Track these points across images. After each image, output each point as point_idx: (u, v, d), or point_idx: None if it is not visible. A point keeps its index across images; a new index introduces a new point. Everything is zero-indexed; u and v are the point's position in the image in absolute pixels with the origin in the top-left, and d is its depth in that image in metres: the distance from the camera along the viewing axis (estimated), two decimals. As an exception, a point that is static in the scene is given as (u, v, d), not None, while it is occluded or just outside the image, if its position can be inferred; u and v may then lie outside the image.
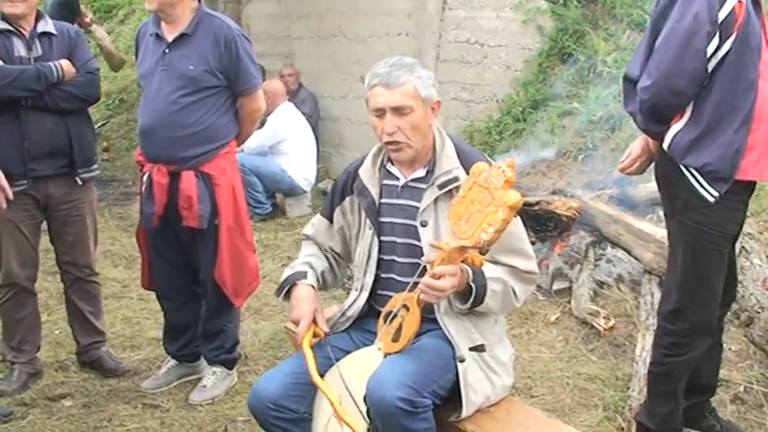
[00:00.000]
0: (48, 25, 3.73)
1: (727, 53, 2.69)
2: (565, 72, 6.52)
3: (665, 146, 2.82)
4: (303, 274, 2.70)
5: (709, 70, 2.70)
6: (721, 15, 2.65)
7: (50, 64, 3.63)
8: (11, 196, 3.47)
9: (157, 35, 3.55)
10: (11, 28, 3.63)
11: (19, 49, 3.64)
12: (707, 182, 2.76)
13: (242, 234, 3.69)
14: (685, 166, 2.78)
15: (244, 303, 3.97)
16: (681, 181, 2.81)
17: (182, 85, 3.48)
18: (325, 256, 2.85)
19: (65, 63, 3.68)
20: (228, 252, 3.61)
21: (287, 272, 2.76)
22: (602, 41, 6.45)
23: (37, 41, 3.68)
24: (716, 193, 2.76)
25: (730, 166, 2.75)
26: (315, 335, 2.60)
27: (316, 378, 2.44)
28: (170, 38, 3.51)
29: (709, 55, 2.67)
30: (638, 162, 3.08)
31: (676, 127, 2.79)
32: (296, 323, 2.61)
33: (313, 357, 2.49)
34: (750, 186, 2.89)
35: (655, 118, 2.80)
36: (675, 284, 2.93)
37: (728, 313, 3.56)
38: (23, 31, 3.65)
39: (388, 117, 2.50)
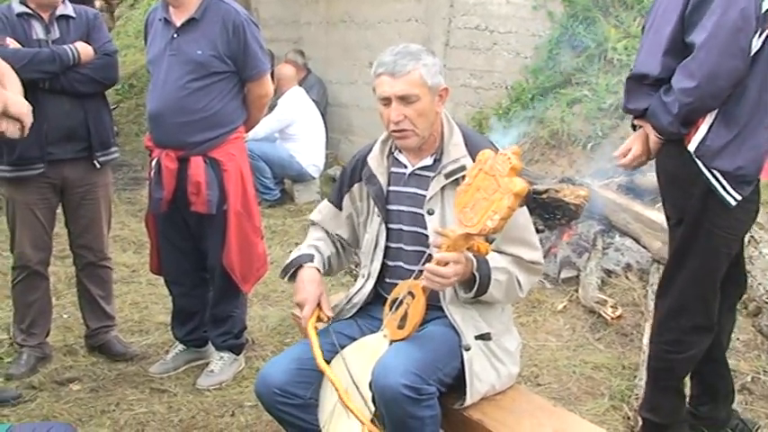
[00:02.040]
0: (67, 8, 3.74)
1: (759, 50, 2.53)
2: (575, 59, 6.48)
3: (691, 148, 2.62)
4: (310, 257, 2.71)
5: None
6: (763, 7, 2.47)
7: (66, 46, 3.64)
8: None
9: (166, 20, 3.55)
10: (30, 11, 3.64)
11: (37, 31, 3.66)
12: (731, 185, 2.62)
13: (250, 220, 3.69)
14: (710, 169, 2.62)
15: (251, 289, 3.97)
16: (697, 183, 2.65)
17: (190, 70, 3.48)
18: (332, 242, 2.85)
19: (81, 45, 3.68)
20: (237, 238, 3.62)
21: (294, 254, 2.77)
22: (612, 28, 6.40)
23: (55, 24, 3.69)
24: (738, 197, 2.63)
25: (758, 168, 2.64)
26: (318, 319, 2.61)
27: (320, 362, 2.45)
28: (178, 23, 3.51)
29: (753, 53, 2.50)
30: (637, 161, 2.90)
31: (704, 128, 2.60)
32: (301, 306, 2.61)
33: (317, 341, 2.49)
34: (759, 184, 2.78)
35: (687, 120, 2.60)
36: (681, 283, 2.83)
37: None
38: (42, 15, 3.67)
39: (394, 106, 2.49)
